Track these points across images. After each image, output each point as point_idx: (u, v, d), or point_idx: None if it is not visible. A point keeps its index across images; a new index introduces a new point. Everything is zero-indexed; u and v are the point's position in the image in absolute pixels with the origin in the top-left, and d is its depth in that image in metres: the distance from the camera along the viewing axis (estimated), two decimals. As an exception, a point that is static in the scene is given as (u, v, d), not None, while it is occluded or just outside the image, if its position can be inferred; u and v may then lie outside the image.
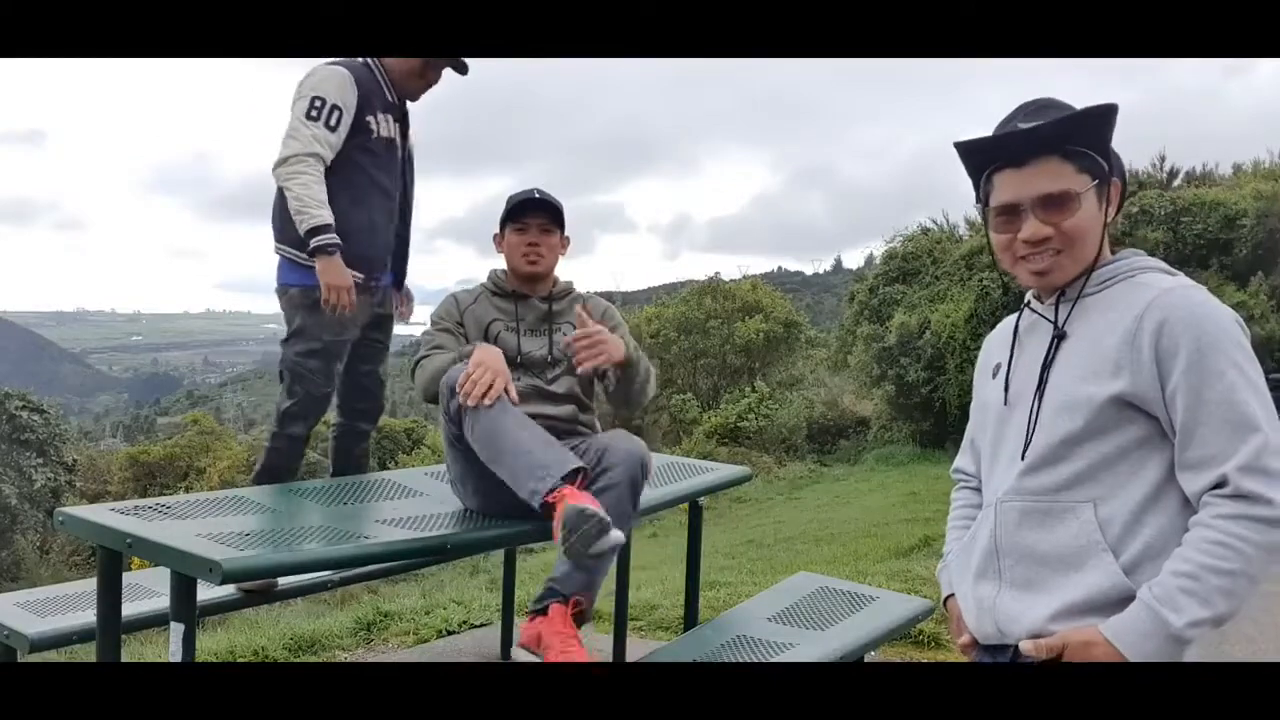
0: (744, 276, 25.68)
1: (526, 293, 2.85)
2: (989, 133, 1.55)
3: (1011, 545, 1.51)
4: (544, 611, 2.47)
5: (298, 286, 3.02)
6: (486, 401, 2.38)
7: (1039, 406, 1.51)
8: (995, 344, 1.71)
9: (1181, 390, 1.39)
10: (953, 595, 1.67)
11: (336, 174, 3.00)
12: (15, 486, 16.14)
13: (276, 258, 3.09)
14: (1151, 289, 1.46)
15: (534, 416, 2.54)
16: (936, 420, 18.62)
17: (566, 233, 2.88)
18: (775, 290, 26.56)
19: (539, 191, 2.83)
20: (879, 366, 19.79)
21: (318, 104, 2.96)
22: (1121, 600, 1.39)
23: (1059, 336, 1.53)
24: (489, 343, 2.72)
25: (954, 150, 1.58)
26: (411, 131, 3.29)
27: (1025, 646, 1.44)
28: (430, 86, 3.23)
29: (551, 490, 2.23)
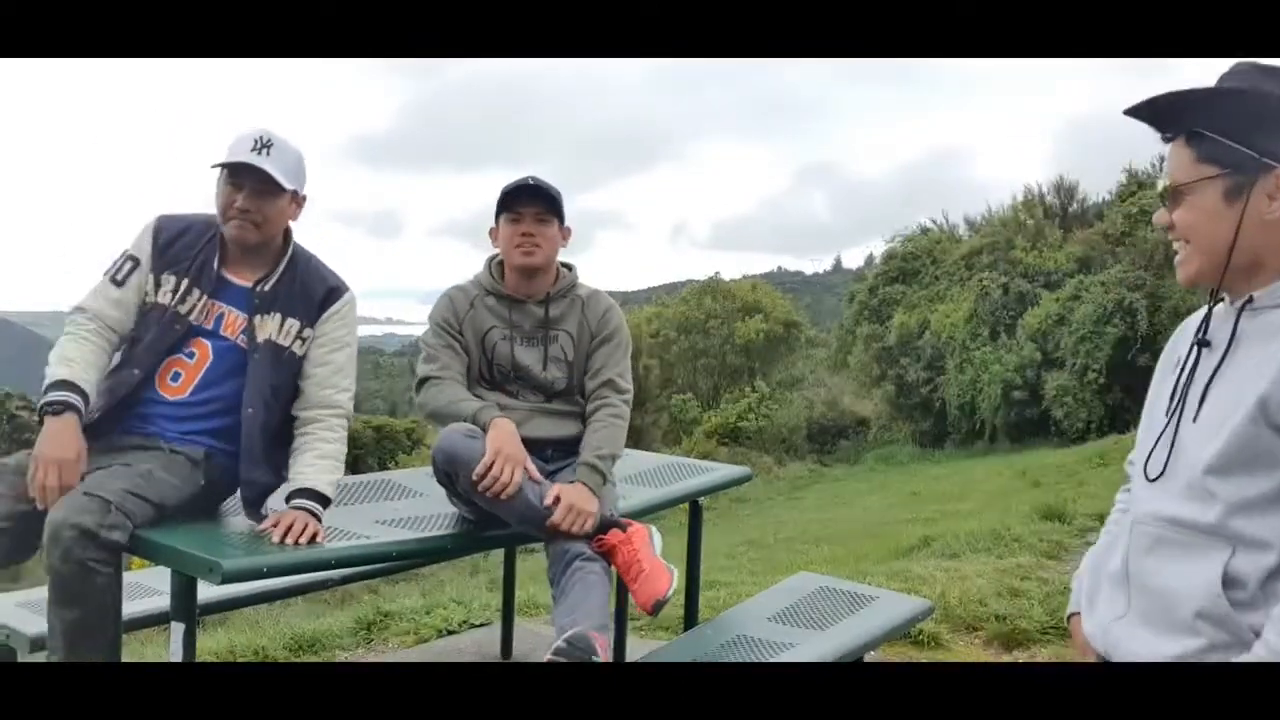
0: (744, 276, 25.76)
1: (523, 296, 2.67)
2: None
3: (1139, 572, 1.36)
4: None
5: None
6: (505, 495, 2.33)
7: (1177, 425, 1.35)
8: (1184, 334, 1.48)
9: None
10: (1077, 614, 1.52)
11: None
12: (15, 486, 16.14)
13: None
14: None
15: (535, 440, 2.51)
16: (936, 420, 18.66)
17: (567, 224, 2.68)
18: (775, 290, 26.61)
19: (534, 179, 2.61)
20: (879, 366, 19.83)
21: None
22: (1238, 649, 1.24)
23: (1201, 344, 1.36)
24: (486, 353, 2.64)
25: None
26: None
27: None
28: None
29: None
